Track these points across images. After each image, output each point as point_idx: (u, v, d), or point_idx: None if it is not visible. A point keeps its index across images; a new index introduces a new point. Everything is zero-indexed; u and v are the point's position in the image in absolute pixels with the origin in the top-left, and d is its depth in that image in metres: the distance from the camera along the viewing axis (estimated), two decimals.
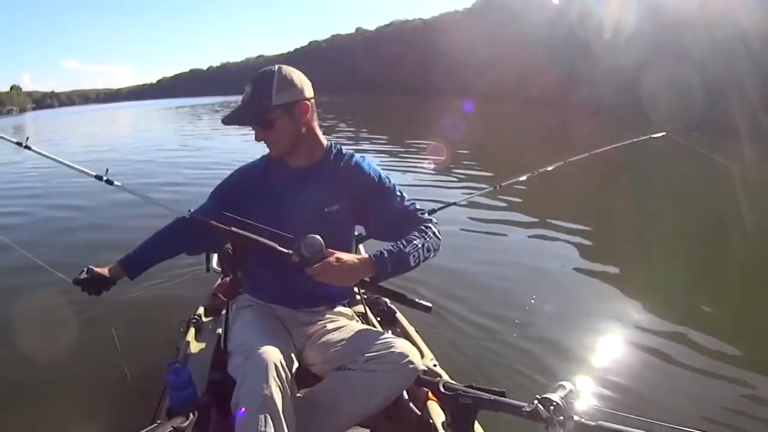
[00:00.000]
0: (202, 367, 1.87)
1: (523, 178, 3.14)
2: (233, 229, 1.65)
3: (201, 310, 2.39)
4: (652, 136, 3.33)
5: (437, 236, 1.70)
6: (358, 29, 74.20)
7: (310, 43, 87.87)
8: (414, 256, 1.61)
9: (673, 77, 15.41)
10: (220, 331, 1.89)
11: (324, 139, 1.80)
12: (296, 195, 1.75)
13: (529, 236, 5.65)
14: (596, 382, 2.84)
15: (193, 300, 2.23)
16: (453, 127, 13.67)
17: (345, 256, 1.56)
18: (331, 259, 1.53)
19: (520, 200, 6.53)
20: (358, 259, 1.58)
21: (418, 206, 1.79)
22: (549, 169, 3.18)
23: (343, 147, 1.83)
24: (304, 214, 1.72)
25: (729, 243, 5.16)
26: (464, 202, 3.21)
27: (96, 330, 2.94)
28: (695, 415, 2.58)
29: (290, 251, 1.54)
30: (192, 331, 2.22)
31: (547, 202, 6.68)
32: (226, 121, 1.73)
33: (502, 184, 3.10)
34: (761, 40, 13.97)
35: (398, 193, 1.78)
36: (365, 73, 55.25)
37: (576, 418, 1.31)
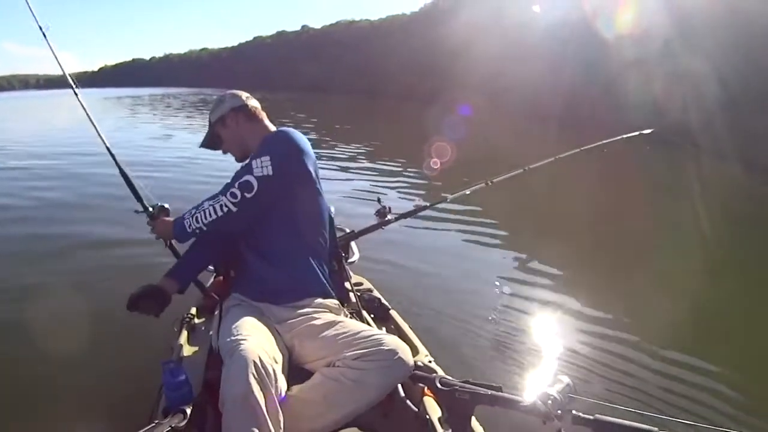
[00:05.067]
0: (197, 367, 1.85)
1: (514, 174, 3.17)
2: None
3: (194, 310, 2.38)
4: (642, 132, 3.38)
5: (219, 207, 1.77)
6: (303, 27, 72.55)
7: (254, 38, 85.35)
8: (188, 222, 1.84)
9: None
10: (213, 330, 1.89)
11: (271, 128, 2.01)
12: None
13: (521, 235, 5.67)
14: (593, 377, 2.86)
15: (186, 299, 2.22)
16: (441, 128, 13.54)
17: (165, 221, 1.99)
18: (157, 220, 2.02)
19: (511, 198, 6.51)
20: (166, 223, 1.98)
21: (246, 177, 1.77)
22: (540, 165, 3.21)
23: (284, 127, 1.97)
24: None
25: (702, 244, 5.23)
26: (454, 199, 3.21)
27: (91, 330, 2.92)
28: (689, 408, 2.62)
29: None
30: (186, 330, 2.21)
31: (537, 201, 6.72)
32: (202, 145, 2.13)
33: (494, 180, 3.12)
34: None
35: (251, 160, 1.80)
36: (309, 71, 54.08)
37: (574, 412, 1.32)
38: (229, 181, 1.81)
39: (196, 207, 1.83)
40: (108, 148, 2.30)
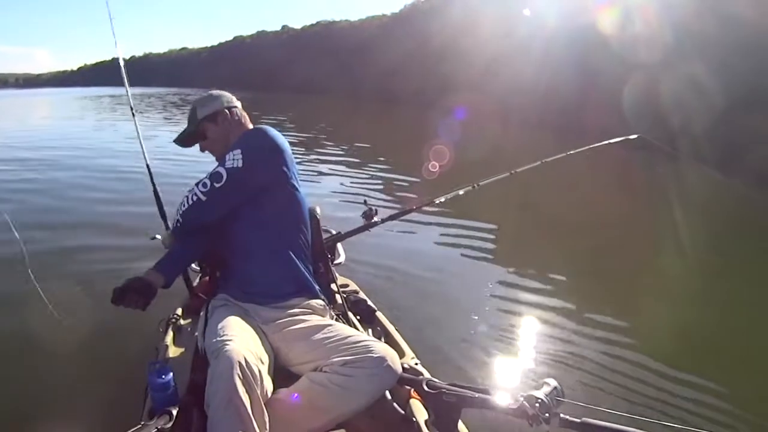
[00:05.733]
0: (183, 368, 1.84)
1: (500, 177, 3.19)
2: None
3: (180, 310, 2.35)
4: (629, 137, 3.41)
5: (192, 197, 1.82)
6: (284, 27, 71.75)
7: (235, 38, 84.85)
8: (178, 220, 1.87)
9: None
10: (198, 331, 1.87)
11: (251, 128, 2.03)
12: None
13: (508, 238, 5.68)
14: (580, 380, 2.88)
15: (172, 299, 2.21)
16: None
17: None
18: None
19: (498, 201, 6.52)
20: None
21: (217, 169, 1.82)
22: (526, 168, 3.23)
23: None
24: None
25: (690, 248, 5.27)
26: (441, 202, 3.20)
27: (76, 331, 2.89)
28: (676, 412, 2.65)
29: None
30: (171, 331, 2.18)
31: (524, 204, 6.76)
32: (177, 141, 2.11)
33: (481, 183, 3.13)
34: None
35: (225, 154, 1.84)
36: (289, 71, 53.04)
37: (561, 415, 1.33)
38: None
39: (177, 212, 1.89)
40: (148, 166, 2.50)
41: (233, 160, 1.78)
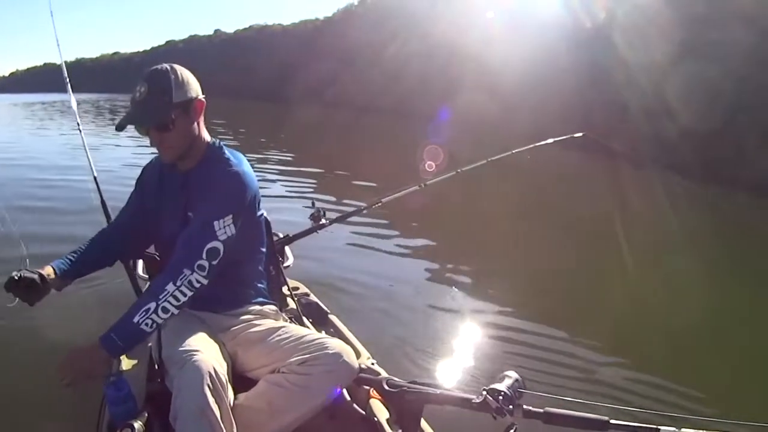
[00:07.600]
0: (138, 379, 1.78)
1: (447, 176, 3.23)
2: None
3: None
4: (573, 135, 3.52)
5: (190, 286, 1.50)
6: (216, 31, 71.40)
7: (167, 42, 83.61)
8: (147, 323, 1.45)
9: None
10: (152, 341, 1.78)
11: (207, 137, 1.73)
12: (176, 202, 1.73)
13: (456, 236, 5.79)
14: (541, 371, 2.95)
15: (121, 309, 2.09)
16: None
17: (74, 354, 1.47)
18: (61, 360, 1.46)
19: (447, 200, 6.57)
20: (87, 349, 1.46)
21: (212, 244, 1.54)
22: (472, 167, 3.28)
23: (226, 147, 1.74)
24: (175, 220, 1.70)
25: (644, 243, 5.49)
26: (388, 202, 3.18)
27: (20, 347, 2.75)
28: (636, 398, 2.76)
29: None
30: None
31: (471, 203, 6.88)
32: (122, 124, 1.62)
33: (428, 182, 3.15)
34: None
35: (210, 220, 1.56)
36: (221, 76, 52.04)
37: (524, 406, 1.35)
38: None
39: (152, 298, 1.49)
40: (95, 179, 2.45)
41: (225, 228, 1.55)
